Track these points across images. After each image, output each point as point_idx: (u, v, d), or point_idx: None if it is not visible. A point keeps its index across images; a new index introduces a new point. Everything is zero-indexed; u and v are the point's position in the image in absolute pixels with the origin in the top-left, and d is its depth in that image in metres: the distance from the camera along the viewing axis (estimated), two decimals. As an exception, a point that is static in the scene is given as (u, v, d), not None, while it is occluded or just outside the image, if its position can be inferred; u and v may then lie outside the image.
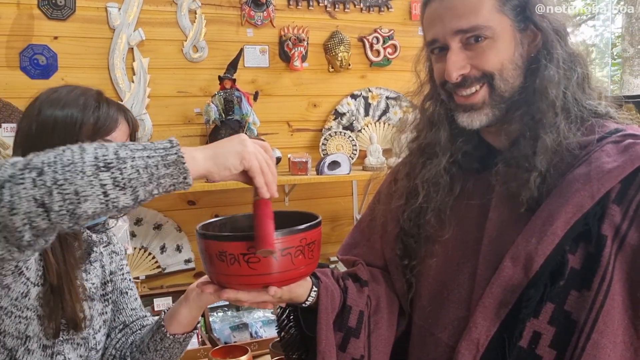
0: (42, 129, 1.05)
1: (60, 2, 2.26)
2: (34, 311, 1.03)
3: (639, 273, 0.86)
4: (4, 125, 2.14)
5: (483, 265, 0.97)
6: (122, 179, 0.75)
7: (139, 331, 1.25)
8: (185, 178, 0.80)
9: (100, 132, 1.07)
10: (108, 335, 1.24)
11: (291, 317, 1.12)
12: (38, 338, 1.05)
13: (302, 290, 1.02)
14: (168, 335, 1.15)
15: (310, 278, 1.04)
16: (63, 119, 1.06)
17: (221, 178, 0.86)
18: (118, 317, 1.26)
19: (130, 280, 1.30)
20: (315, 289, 1.03)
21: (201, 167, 0.83)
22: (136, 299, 1.30)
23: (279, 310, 1.15)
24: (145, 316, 1.30)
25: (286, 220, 1.02)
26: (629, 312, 0.87)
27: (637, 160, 0.88)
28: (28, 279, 1.02)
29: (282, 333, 1.14)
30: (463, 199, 1.06)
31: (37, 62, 2.24)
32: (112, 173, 0.74)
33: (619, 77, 5.38)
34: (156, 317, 1.24)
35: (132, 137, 1.15)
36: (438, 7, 0.99)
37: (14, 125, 2.05)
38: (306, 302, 1.03)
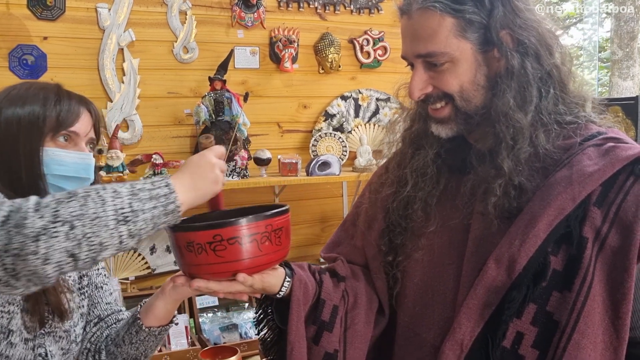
0: (7, 129, 1.06)
1: (50, 2, 2.25)
2: (17, 305, 1.04)
3: (619, 274, 0.88)
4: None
5: (467, 266, 0.99)
6: (135, 229, 0.84)
7: (114, 325, 1.26)
8: (175, 221, 0.90)
9: (63, 125, 1.09)
10: (83, 329, 1.25)
11: (269, 310, 1.14)
12: (20, 332, 1.06)
13: (275, 280, 1.03)
14: (144, 328, 1.16)
15: (285, 269, 1.06)
16: (26, 116, 1.06)
17: None
18: (93, 311, 1.27)
19: (105, 275, 1.31)
20: (289, 280, 1.05)
21: (186, 207, 0.91)
22: (111, 293, 1.31)
23: (256, 304, 1.17)
24: (121, 310, 1.31)
25: (256, 213, 1.04)
26: (609, 313, 0.89)
27: (618, 164, 0.90)
28: None
29: (260, 329, 1.15)
30: (449, 197, 1.08)
31: (26, 62, 2.23)
32: (128, 226, 0.83)
33: (609, 80, 5.42)
34: (131, 310, 1.25)
35: (96, 127, 1.16)
36: (405, 26, 1.01)
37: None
38: (279, 293, 1.04)
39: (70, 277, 1.19)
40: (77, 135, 1.10)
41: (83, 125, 1.11)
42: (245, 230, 0.91)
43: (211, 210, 1.04)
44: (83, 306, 1.23)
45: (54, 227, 0.78)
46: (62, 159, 1.08)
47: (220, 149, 0.99)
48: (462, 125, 1.02)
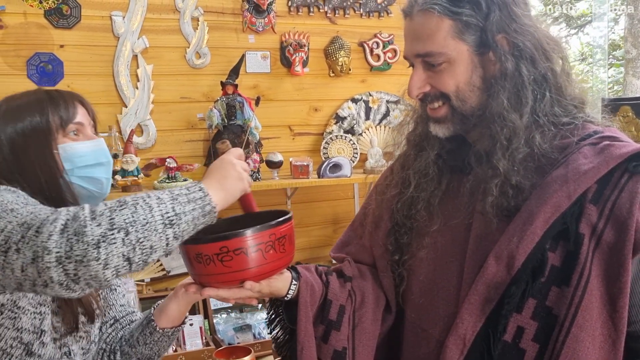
0: (12, 144, 1.09)
1: (66, 11, 2.32)
2: (47, 306, 1.09)
3: (615, 269, 0.90)
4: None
5: (469, 263, 1.01)
6: (180, 232, 0.90)
7: (128, 326, 1.30)
8: (212, 222, 0.95)
9: (69, 120, 1.13)
10: (99, 330, 1.28)
11: (279, 310, 1.18)
12: (51, 332, 1.10)
13: (282, 284, 1.08)
14: (157, 329, 1.21)
15: (291, 273, 1.10)
16: (28, 128, 1.10)
17: None
18: (109, 313, 1.31)
19: (118, 278, 1.35)
20: (295, 283, 1.09)
21: (220, 207, 0.96)
22: (124, 295, 1.36)
23: (267, 305, 1.21)
24: (134, 312, 1.35)
25: (262, 220, 1.08)
26: (607, 307, 0.91)
27: (612, 161, 0.92)
28: None
29: (272, 329, 1.19)
30: (451, 197, 1.10)
31: (43, 70, 2.29)
32: (174, 229, 0.89)
33: (623, 79, 5.38)
34: (144, 312, 1.29)
35: (92, 115, 1.20)
36: (407, 27, 1.05)
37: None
38: (287, 296, 1.09)
39: None
40: (83, 125, 1.16)
41: (83, 115, 1.16)
42: (250, 240, 0.96)
43: (245, 211, 1.09)
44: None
45: (112, 234, 0.83)
46: (80, 151, 1.13)
47: (238, 151, 1.04)
48: (459, 125, 1.05)
